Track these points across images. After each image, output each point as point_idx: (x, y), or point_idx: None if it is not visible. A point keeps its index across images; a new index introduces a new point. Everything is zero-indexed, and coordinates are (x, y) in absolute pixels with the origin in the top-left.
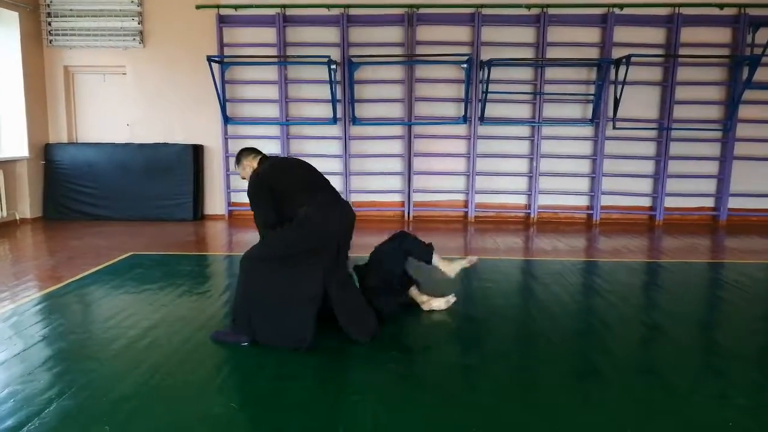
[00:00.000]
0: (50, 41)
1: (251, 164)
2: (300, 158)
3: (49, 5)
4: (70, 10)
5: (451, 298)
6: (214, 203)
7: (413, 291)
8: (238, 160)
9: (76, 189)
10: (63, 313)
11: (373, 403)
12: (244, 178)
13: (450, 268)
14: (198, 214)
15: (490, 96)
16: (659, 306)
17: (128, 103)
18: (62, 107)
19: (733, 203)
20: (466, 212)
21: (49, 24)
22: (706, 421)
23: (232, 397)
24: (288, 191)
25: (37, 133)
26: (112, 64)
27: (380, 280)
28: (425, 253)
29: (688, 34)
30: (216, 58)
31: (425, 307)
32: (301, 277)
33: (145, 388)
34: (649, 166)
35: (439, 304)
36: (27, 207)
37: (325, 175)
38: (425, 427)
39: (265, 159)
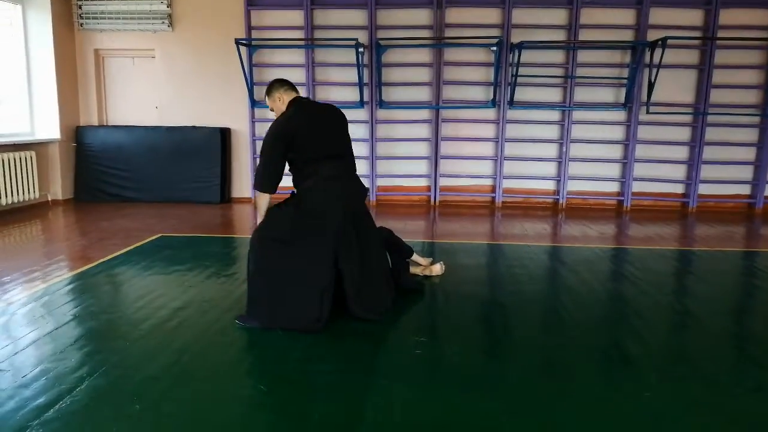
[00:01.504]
0: (81, 25)
1: (282, 98)
2: (332, 107)
3: None
4: None
5: (442, 265)
6: (241, 186)
7: (415, 256)
8: (269, 92)
9: (106, 171)
10: (93, 293)
11: (401, 388)
12: (272, 110)
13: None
14: (225, 197)
15: (520, 80)
16: (693, 294)
17: (157, 87)
18: (93, 90)
19: None
20: (494, 197)
21: (80, 8)
22: (747, 413)
23: (260, 379)
24: (304, 151)
25: (68, 116)
26: (142, 47)
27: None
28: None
29: (726, 16)
30: (244, 41)
31: (426, 272)
32: (310, 258)
33: (175, 368)
34: (683, 152)
35: (437, 269)
36: (59, 188)
37: (349, 135)
38: (454, 413)
39: (296, 101)
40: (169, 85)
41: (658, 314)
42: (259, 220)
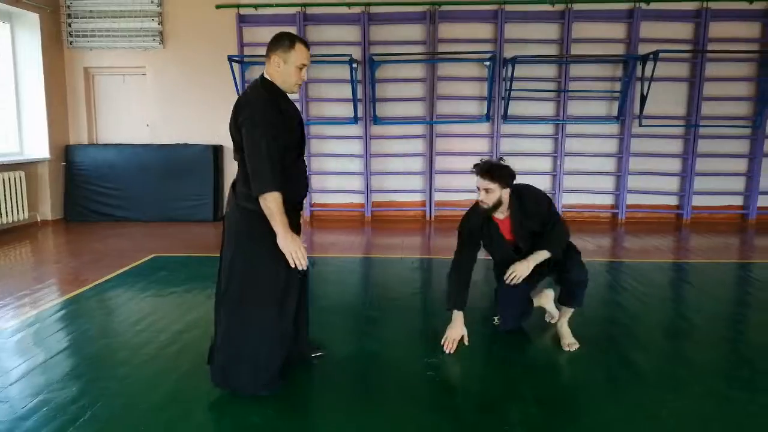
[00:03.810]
0: (70, 43)
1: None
2: (244, 93)
3: (69, 7)
4: (90, 11)
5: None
6: None
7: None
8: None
9: (97, 190)
10: (90, 317)
11: (415, 412)
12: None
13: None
14: (218, 215)
15: (513, 94)
16: (696, 307)
17: (148, 104)
18: (83, 109)
19: (762, 201)
20: None
21: (69, 25)
22: (764, 430)
23: (269, 404)
24: None
25: (57, 135)
26: (133, 65)
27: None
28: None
29: (716, 29)
30: (236, 58)
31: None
32: None
33: (182, 395)
34: (676, 164)
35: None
36: (48, 208)
37: (240, 134)
38: None
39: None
40: (161, 103)
41: (663, 329)
42: None
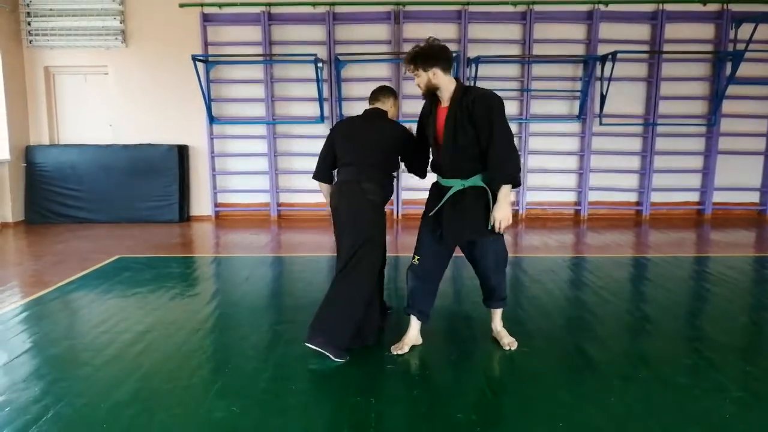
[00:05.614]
0: (30, 41)
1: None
2: (375, 124)
3: (28, 5)
4: (50, 9)
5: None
6: (201, 204)
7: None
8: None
9: (59, 191)
10: (52, 318)
11: (374, 403)
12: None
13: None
14: (184, 216)
15: None
16: (650, 299)
17: (111, 104)
18: (43, 108)
19: (717, 197)
20: None
21: (29, 24)
22: (705, 413)
23: (233, 400)
24: (339, 155)
25: (17, 135)
26: (94, 64)
27: None
28: None
29: (672, 30)
30: (201, 57)
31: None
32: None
33: (144, 393)
34: (635, 162)
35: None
36: (8, 211)
37: (373, 147)
38: (430, 425)
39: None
40: (124, 103)
41: (618, 320)
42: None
